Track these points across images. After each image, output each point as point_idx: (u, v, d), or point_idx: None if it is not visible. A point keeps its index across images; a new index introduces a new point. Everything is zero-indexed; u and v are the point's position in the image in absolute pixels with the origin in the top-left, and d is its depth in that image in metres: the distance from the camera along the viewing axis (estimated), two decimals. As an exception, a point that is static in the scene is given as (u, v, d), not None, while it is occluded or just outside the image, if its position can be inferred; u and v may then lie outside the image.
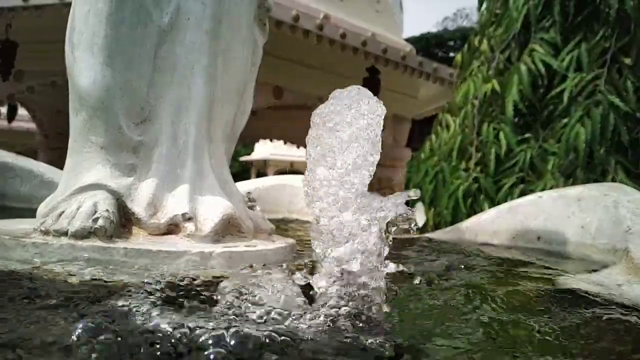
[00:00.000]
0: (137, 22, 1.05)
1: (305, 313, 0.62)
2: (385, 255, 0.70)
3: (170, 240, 1.01)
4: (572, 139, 2.45)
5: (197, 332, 0.52)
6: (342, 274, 0.68)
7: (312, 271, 0.71)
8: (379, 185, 5.56)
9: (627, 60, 2.50)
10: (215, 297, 0.67)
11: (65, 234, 0.94)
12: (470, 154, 2.89)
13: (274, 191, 2.19)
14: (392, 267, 0.70)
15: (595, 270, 1.10)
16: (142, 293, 0.67)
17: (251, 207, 1.25)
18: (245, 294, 0.66)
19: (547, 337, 0.63)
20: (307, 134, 0.75)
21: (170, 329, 0.52)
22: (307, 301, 0.66)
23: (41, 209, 1.06)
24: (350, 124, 0.72)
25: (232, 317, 0.60)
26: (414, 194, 0.71)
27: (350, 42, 4.91)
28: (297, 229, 1.75)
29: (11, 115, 6.80)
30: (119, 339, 0.50)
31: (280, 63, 4.85)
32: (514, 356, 0.57)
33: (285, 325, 0.59)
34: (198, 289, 0.74)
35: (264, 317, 0.61)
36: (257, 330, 0.53)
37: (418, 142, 5.34)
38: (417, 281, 0.87)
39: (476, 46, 3.21)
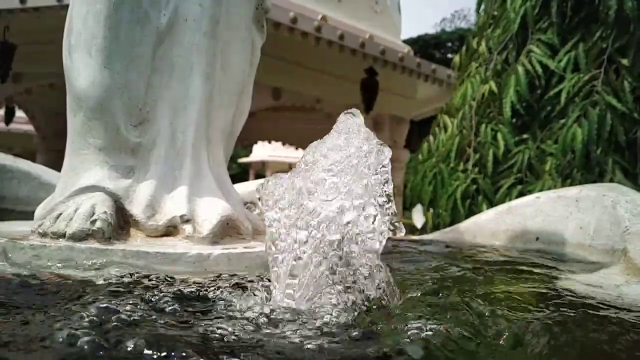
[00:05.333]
0: (136, 23, 1.05)
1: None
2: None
3: (168, 242, 1.01)
4: (570, 139, 2.45)
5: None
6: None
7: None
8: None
9: (624, 61, 2.50)
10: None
11: (63, 236, 0.94)
12: (468, 155, 2.89)
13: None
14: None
15: (593, 271, 1.09)
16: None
17: (248, 208, 1.25)
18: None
19: (544, 337, 0.63)
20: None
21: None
22: None
23: (39, 210, 1.06)
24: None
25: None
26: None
27: (349, 43, 4.91)
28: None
29: (9, 117, 6.79)
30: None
31: (279, 64, 4.85)
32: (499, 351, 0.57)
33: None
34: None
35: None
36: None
37: (416, 144, 5.34)
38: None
39: (474, 47, 3.21)
